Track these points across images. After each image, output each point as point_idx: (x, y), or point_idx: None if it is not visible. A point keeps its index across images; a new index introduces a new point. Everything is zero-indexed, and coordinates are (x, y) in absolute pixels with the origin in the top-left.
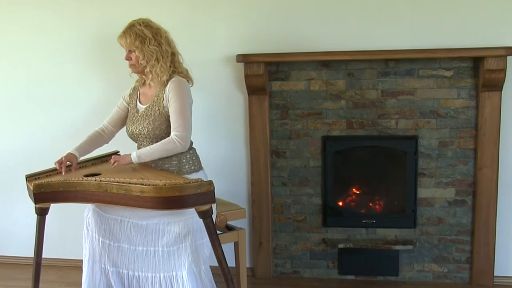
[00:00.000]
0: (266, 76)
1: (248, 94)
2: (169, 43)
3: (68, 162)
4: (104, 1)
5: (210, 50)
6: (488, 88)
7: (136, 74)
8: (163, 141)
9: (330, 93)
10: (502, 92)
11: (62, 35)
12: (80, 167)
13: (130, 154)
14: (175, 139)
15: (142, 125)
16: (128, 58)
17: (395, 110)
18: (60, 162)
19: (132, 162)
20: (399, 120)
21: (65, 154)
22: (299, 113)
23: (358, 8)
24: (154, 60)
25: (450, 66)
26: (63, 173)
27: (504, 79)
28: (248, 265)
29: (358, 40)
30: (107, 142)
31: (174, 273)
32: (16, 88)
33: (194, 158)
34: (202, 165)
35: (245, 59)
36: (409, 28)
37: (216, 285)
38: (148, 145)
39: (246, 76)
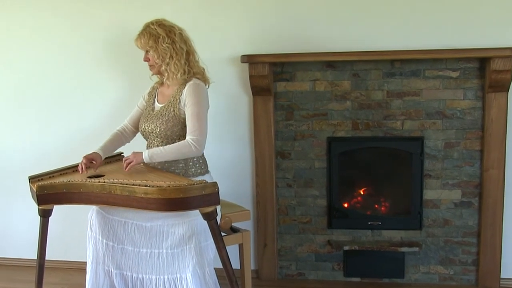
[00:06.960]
0: (271, 77)
1: (253, 95)
2: (184, 40)
3: (93, 162)
4: (110, 3)
5: (215, 50)
6: (495, 89)
7: (156, 76)
8: (178, 143)
9: (335, 94)
10: (509, 93)
11: (70, 36)
12: None
13: (142, 153)
14: (191, 143)
15: (155, 123)
16: (146, 59)
17: (401, 111)
18: (85, 160)
19: (144, 162)
20: (405, 121)
21: (90, 153)
22: (304, 114)
23: (363, 8)
24: (169, 58)
25: (456, 67)
26: (81, 172)
27: (511, 80)
28: (252, 267)
29: (363, 41)
30: (129, 142)
31: (178, 275)
32: (20, 89)
33: (201, 161)
34: (209, 168)
35: (250, 60)
36: (415, 29)
37: (221, 287)
38: (158, 145)
39: (251, 77)
